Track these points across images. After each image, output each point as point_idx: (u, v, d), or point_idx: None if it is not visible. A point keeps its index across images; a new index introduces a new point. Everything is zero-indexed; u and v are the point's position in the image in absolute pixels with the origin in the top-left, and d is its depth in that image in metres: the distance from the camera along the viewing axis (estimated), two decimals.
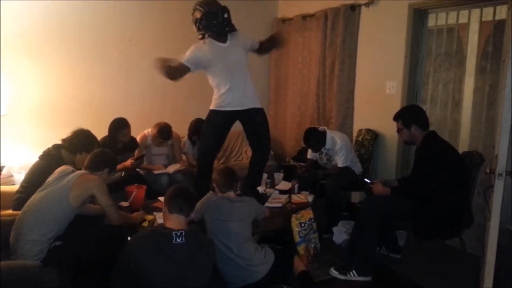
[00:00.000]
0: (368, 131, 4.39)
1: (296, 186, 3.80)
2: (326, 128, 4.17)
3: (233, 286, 2.69)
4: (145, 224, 2.99)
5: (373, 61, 4.36)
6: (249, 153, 5.14)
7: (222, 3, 3.26)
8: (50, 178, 2.69)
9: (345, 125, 4.66)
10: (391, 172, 4.17)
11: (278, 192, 3.79)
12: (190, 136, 4.44)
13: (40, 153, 3.19)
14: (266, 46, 3.48)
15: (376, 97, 4.34)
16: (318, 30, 4.87)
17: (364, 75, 4.49)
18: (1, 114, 3.82)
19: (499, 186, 2.40)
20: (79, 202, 2.62)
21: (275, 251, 2.81)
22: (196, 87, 4.57)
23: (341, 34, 4.55)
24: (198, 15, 3.19)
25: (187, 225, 2.31)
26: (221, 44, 3.25)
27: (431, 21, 3.95)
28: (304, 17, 5.09)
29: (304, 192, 3.79)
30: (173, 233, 2.17)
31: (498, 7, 3.42)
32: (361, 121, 4.57)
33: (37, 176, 2.93)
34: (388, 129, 3.97)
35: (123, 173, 3.92)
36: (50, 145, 3.19)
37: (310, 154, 4.29)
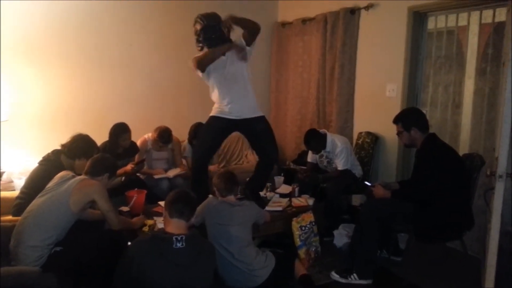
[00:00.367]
0: (368, 134, 4.39)
1: (296, 189, 3.79)
2: (326, 131, 4.17)
3: None
4: (146, 229, 2.99)
5: (373, 64, 4.36)
6: (250, 157, 5.18)
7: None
8: (50, 184, 2.69)
9: (345, 128, 4.66)
10: (391, 175, 4.17)
11: (278, 195, 3.79)
12: (190, 140, 4.44)
13: (40, 158, 3.19)
14: (246, 32, 3.30)
15: (376, 100, 4.34)
16: (318, 33, 4.87)
17: (364, 78, 4.49)
18: (3, 120, 3.83)
19: (499, 188, 2.40)
20: (79, 207, 2.61)
21: (276, 255, 2.80)
22: (196, 91, 4.59)
23: (341, 38, 4.55)
24: (198, 27, 3.22)
25: (188, 229, 2.31)
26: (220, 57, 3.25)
27: (431, 24, 3.96)
28: (304, 21, 5.10)
29: (304, 195, 3.78)
30: (174, 237, 2.17)
31: (497, 9, 3.42)
32: (361, 124, 4.57)
33: (37, 182, 2.93)
34: (388, 132, 3.97)
35: (123, 178, 3.92)
36: (50, 151, 3.20)
37: (310, 157, 4.29)
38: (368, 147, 4.32)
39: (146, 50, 4.76)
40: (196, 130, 4.26)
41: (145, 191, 3.46)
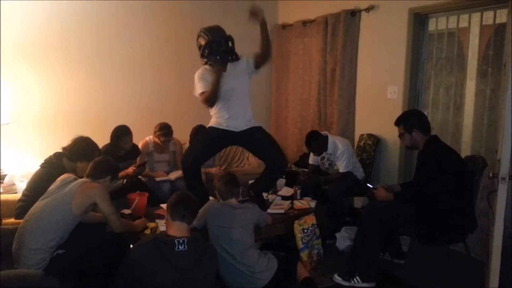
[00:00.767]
0: (370, 136, 4.39)
1: (298, 192, 3.78)
2: (327, 133, 4.17)
3: None
4: (147, 231, 2.98)
5: (374, 66, 4.36)
6: (251, 159, 5.17)
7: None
8: (52, 186, 2.69)
9: (346, 130, 4.66)
10: (393, 177, 4.16)
11: (280, 198, 3.78)
12: (191, 143, 4.43)
13: (42, 161, 3.19)
14: (260, 53, 3.28)
15: (378, 102, 4.34)
16: (318, 35, 4.88)
17: (365, 80, 4.50)
18: (4, 123, 3.84)
19: (502, 190, 2.39)
20: (81, 210, 2.61)
21: (278, 257, 2.79)
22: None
23: (341, 40, 4.56)
24: (202, 42, 3.20)
25: (190, 232, 2.31)
26: None
27: (432, 26, 3.96)
28: (305, 23, 5.10)
29: (306, 197, 3.78)
30: (176, 240, 2.17)
31: (498, 11, 3.43)
32: (363, 126, 4.56)
33: (39, 185, 2.93)
34: (390, 134, 3.96)
35: (125, 180, 3.91)
36: (52, 153, 3.20)
37: (311, 159, 4.29)
38: (370, 149, 4.32)
39: (147, 52, 4.77)
40: (197, 133, 4.25)
41: (147, 194, 3.46)
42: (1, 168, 3.89)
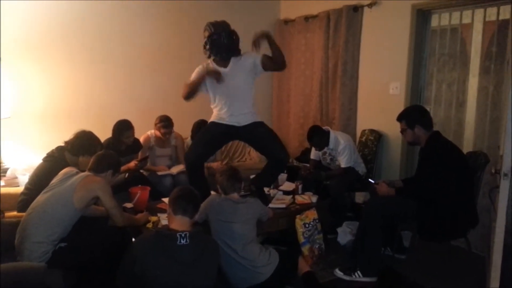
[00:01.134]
0: (372, 131, 4.39)
1: (299, 186, 3.79)
2: (329, 128, 4.17)
3: (238, 287, 2.69)
4: (149, 225, 2.99)
5: (376, 62, 4.35)
6: (253, 154, 5.17)
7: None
8: (54, 180, 2.70)
9: (348, 126, 4.65)
10: (395, 173, 4.17)
11: (282, 192, 3.78)
12: (193, 137, 4.44)
13: (44, 155, 3.20)
14: (272, 60, 3.17)
15: (380, 98, 4.33)
16: (320, 31, 4.87)
17: (367, 76, 4.49)
18: (6, 116, 3.84)
19: (504, 186, 2.38)
20: (83, 203, 2.62)
21: (280, 252, 2.80)
22: None
23: (344, 35, 4.55)
24: (206, 34, 3.19)
25: (192, 226, 2.31)
26: (222, 69, 3.21)
27: (434, 22, 3.95)
28: (307, 18, 5.09)
29: (308, 192, 3.78)
30: (178, 234, 2.17)
31: (502, 7, 3.42)
32: (365, 121, 4.56)
33: (41, 178, 2.94)
34: (392, 129, 3.97)
35: (127, 174, 3.92)
36: (54, 147, 3.20)
37: (313, 154, 4.29)
38: (372, 145, 4.32)
39: (149, 47, 4.76)
40: (199, 127, 4.25)
41: (149, 188, 3.46)
42: (4, 162, 3.90)
